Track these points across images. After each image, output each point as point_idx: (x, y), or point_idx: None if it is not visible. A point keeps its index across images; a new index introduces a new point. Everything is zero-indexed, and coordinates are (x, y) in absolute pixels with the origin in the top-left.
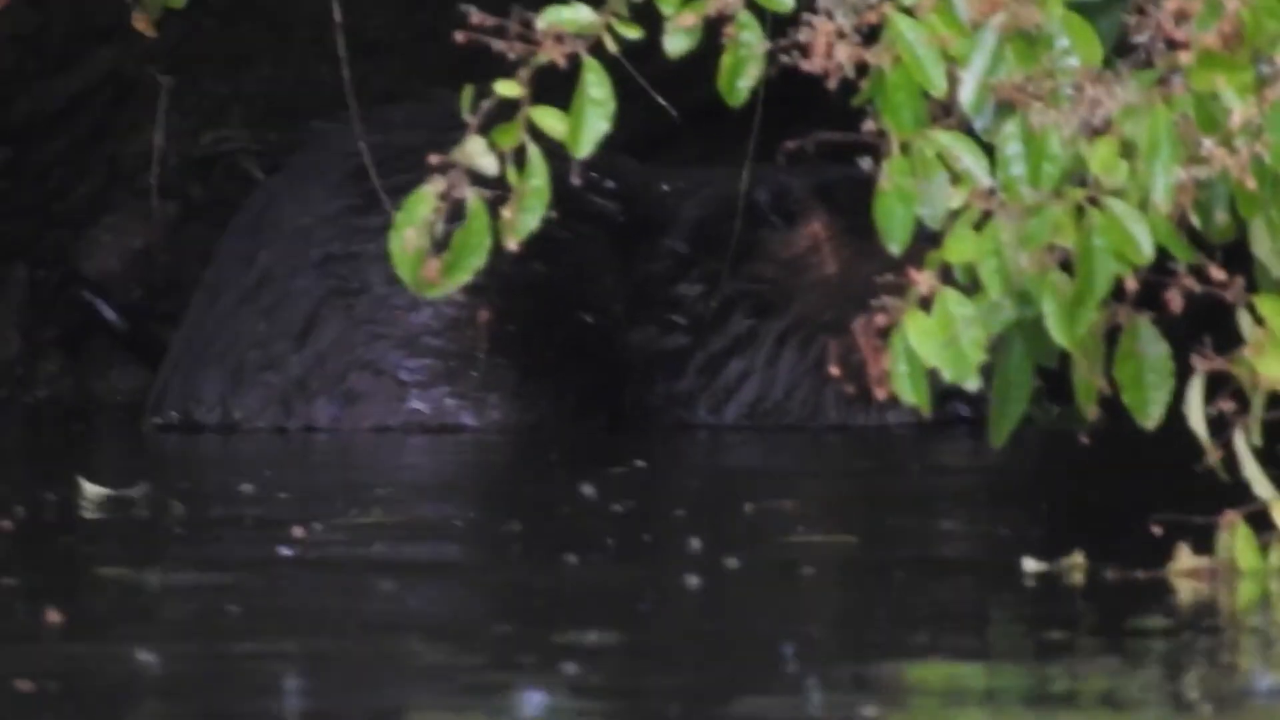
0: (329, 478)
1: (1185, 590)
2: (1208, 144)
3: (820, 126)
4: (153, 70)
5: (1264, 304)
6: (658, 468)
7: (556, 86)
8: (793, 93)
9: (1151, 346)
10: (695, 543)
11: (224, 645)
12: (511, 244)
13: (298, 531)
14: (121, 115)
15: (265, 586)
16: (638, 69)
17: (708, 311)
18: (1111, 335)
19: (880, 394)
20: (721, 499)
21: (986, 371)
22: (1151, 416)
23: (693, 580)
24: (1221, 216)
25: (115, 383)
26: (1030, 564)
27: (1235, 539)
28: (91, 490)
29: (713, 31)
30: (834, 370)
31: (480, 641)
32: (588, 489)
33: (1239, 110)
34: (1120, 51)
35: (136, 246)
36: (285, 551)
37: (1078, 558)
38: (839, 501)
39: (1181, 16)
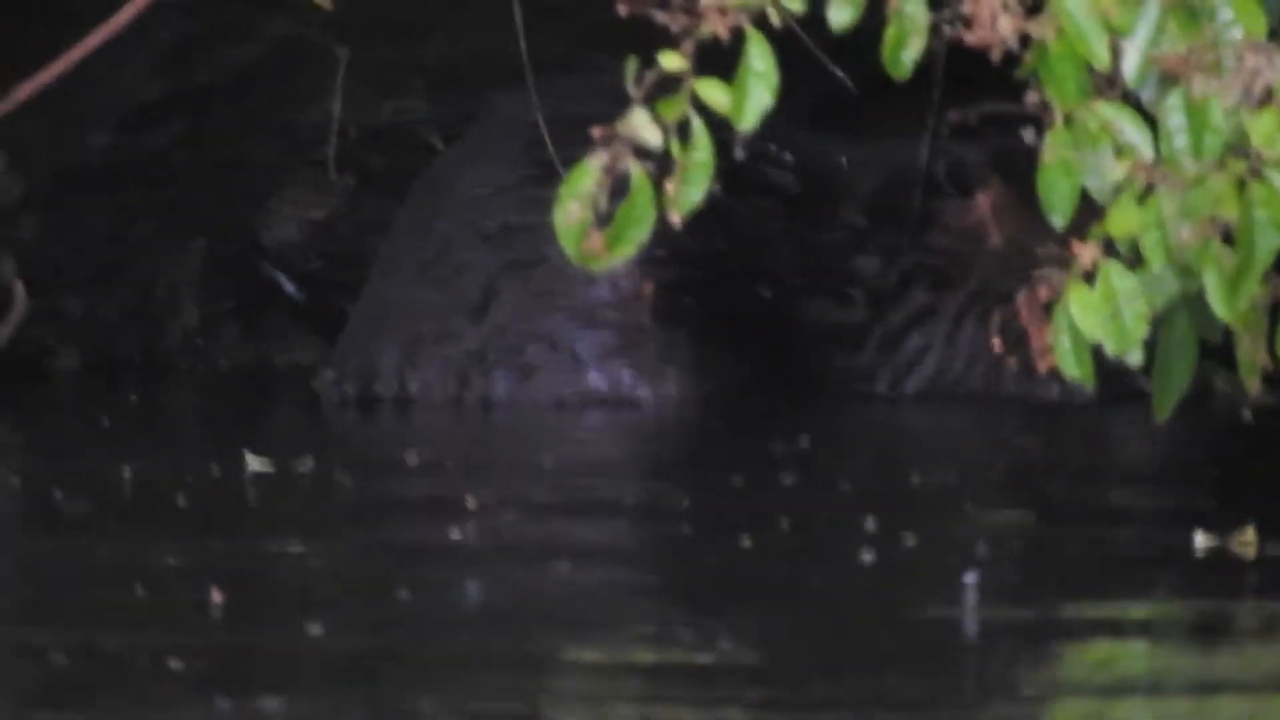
0: (504, 452)
1: None
2: None
3: (986, 98)
4: (330, 40)
5: None
6: (838, 441)
7: (722, 59)
8: (959, 64)
9: None
10: (870, 521)
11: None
12: (675, 218)
13: (471, 504)
14: (299, 85)
15: (430, 572)
16: (812, 40)
17: (886, 284)
18: (1275, 309)
19: (1043, 367)
20: (896, 473)
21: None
22: None
23: (868, 557)
24: None
25: (294, 354)
26: (1201, 539)
27: None
28: (256, 463)
29: (877, 3)
30: (996, 344)
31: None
32: (763, 463)
33: None
34: None
35: (315, 218)
36: (455, 535)
37: (1249, 534)
38: (1011, 475)
39: None
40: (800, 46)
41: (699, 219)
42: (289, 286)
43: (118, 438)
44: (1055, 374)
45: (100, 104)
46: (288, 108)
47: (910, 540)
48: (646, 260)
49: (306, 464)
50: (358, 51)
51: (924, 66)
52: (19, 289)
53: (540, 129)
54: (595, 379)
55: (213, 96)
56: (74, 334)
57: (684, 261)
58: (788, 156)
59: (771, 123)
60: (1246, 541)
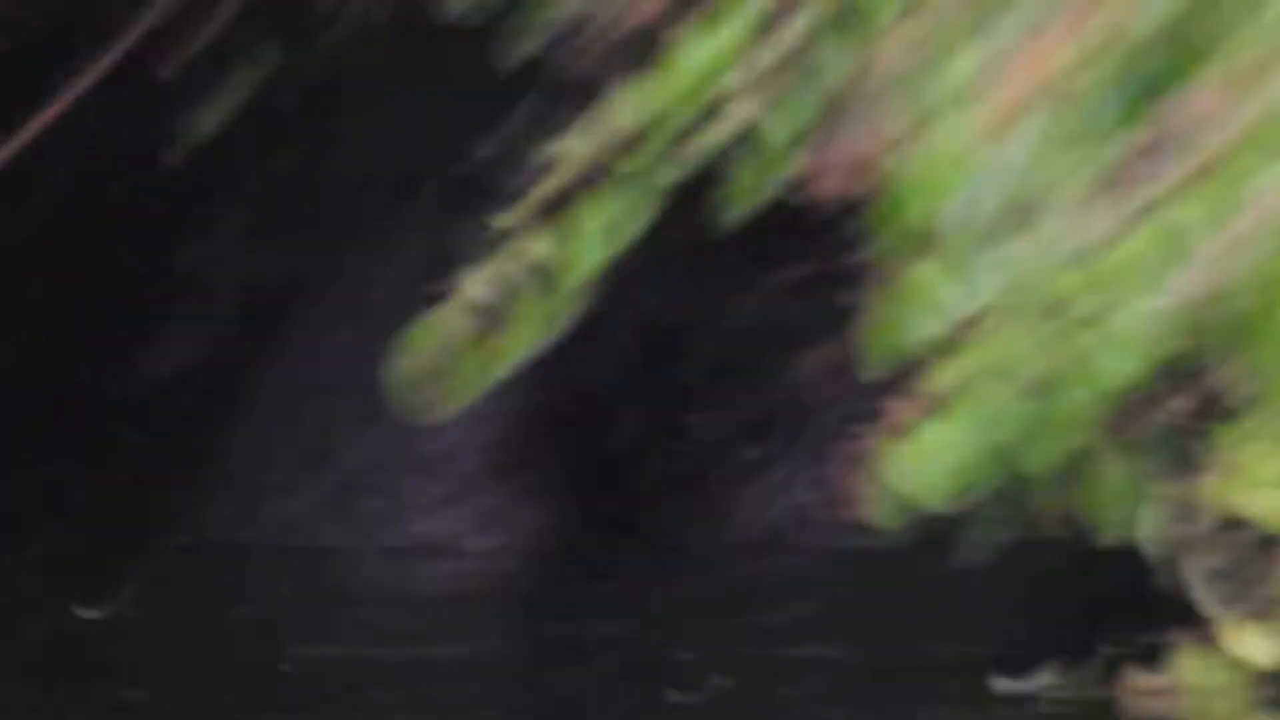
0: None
1: (1137, 708)
2: (1178, 273)
3: (805, 254)
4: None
5: (1228, 431)
6: (664, 591)
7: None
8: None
9: (1119, 470)
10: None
11: None
12: (508, 372)
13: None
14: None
15: None
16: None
17: (717, 439)
18: (1081, 457)
19: (856, 515)
20: (726, 615)
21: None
22: (1113, 535)
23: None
24: (1190, 345)
25: (153, 504)
26: (1000, 683)
27: (1186, 660)
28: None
29: (714, 161)
30: (811, 494)
31: None
32: (587, 610)
33: (1209, 240)
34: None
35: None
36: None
37: (1045, 676)
38: (837, 615)
39: (1157, 148)
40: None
41: (539, 374)
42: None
43: None
44: (870, 522)
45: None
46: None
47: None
48: (482, 414)
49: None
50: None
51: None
52: None
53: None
54: (426, 529)
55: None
56: None
57: (523, 416)
58: (624, 315)
59: (608, 282)
60: (1045, 684)
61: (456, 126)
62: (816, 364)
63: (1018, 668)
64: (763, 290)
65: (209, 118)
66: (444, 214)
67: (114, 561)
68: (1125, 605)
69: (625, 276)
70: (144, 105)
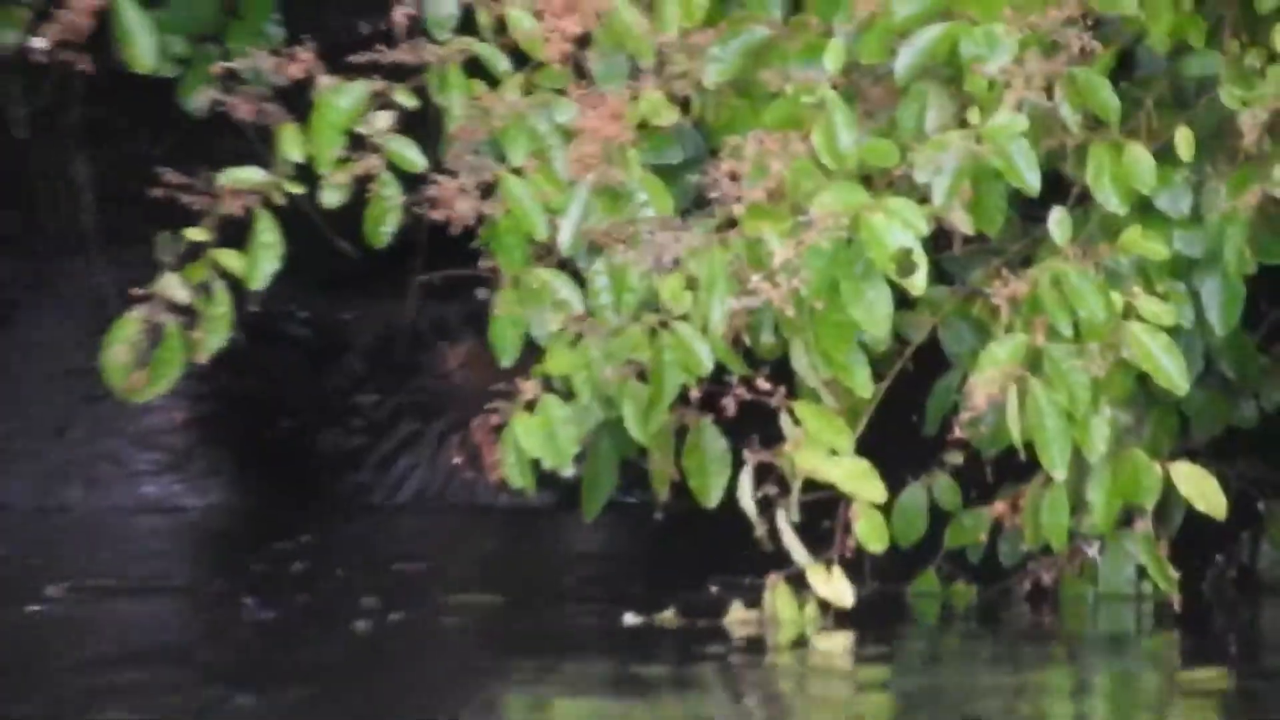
0: (73, 551)
1: (739, 634)
2: (755, 279)
3: (462, 264)
4: None
5: (801, 409)
6: (341, 541)
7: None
8: (442, 237)
9: (712, 442)
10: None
11: None
12: (201, 359)
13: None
14: None
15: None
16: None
17: (381, 416)
18: (681, 432)
19: (494, 478)
20: (396, 562)
21: (581, 459)
22: (712, 498)
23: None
24: (768, 338)
25: None
26: (629, 617)
27: (776, 596)
28: None
29: (364, 186)
30: (456, 460)
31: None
32: (283, 556)
33: (780, 251)
34: (699, 204)
35: None
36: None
37: (667, 613)
38: (487, 564)
39: (734, 176)
40: (311, 222)
41: (235, 363)
42: None
43: None
44: (504, 484)
45: None
46: None
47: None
48: (193, 395)
49: None
50: None
51: (411, 238)
52: None
53: (104, 290)
54: (150, 490)
55: None
56: None
57: (224, 397)
58: (303, 314)
59: (290, 287)
60: (666, 619)
61: (159, 157)
62: (461, 353)
63: (643, 606)
64: (415, 293)
65: None
66: (150, 228)
67: None
68: (731, 555)
69: (301, 283)
70: None
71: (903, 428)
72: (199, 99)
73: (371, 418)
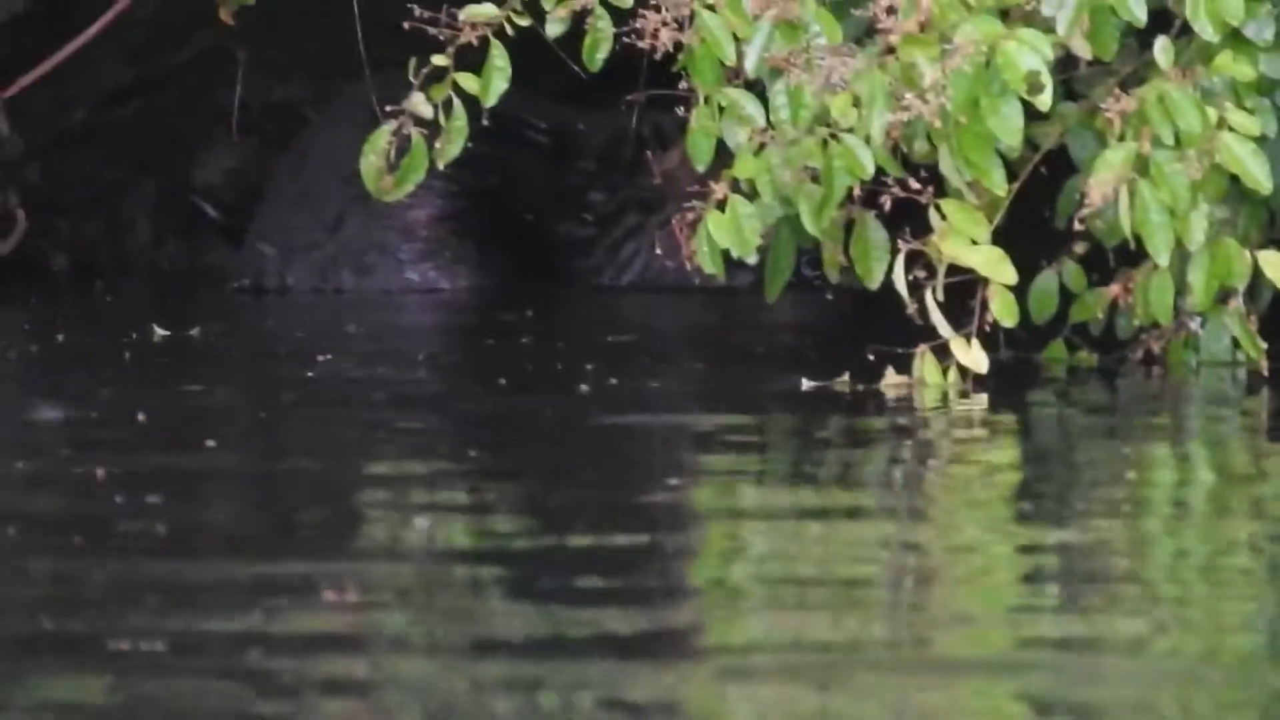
0: (346, 325)
1: (891, 396)
2: (909, 96)
3: (655, 84)
4: (233, 45)
5: (946, 204)
6: (568, 314)
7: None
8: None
9: (875, 233)
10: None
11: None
12: (441, 164)
13: (320, 358)
14: (220, 74)
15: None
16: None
17: (609, 210)
18: (848, 225)
19: (689, 265)
20: (604, 337)
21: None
22: (875, 280)
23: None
24: (921, 146)
25: (216, 259)
26: (805, 382)
27: (924, 363)
28: (159, 332)
29: (581, 20)
30: (658, 250)
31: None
32: (510, 323)
33: (929, 73)
34: (870, 34)
35: (230, 166)
36: (309, 373)
37: (838, 380)
38: (679, 339)
39: (890, 10)
40: (547, 46)
41: (482, 165)
42: (211, 212)
43: (87, 312)
44: (699, 269)
45: (84, 87)
46: (213, 91)
47: (613, 379)
48: (447, 193)
49: (196, 331)
50: (260, 51)
51: (633, 63)
52: (20, 215)
53: (374, 108)
54: (411, 275)
55: (162, 83)
56: (64, 245)
57: (471, 194)
58: (542, 123)
59: (532, 100)
60: (842, 383)
61: None
62: (675, 156)
63: (817, 373)
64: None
65: None
66: (407, 55)
67: None
68: (883, 327)
69: (541, 96)
70: None
71: (1038, 221)
72: None
73: (600, 211)
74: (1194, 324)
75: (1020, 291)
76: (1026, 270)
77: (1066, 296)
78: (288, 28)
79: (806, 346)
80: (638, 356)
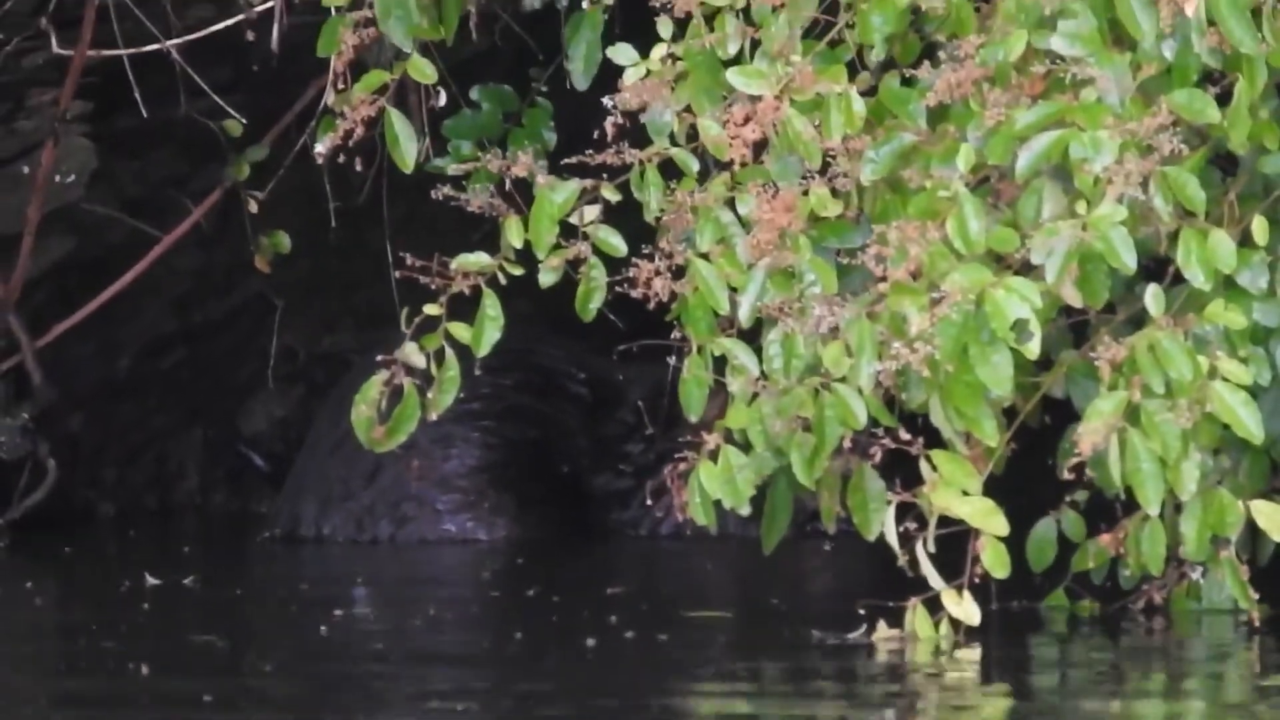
0: (380, 576)
1: (882, 650)
2: (897, 345)
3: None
4: (275, 296)
5: (936, 455)
6: (612, 566)
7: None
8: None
9: (872, 484)
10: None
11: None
12: (433, 415)
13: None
14: (266, 324)
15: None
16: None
17: (647, 461)
18: (845, 476)
19: (679, 516)
20: (643, 584)
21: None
22: (872, 532)
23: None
24: (917, 395)
25: (263, 506)
26: (815, 633)
27: (916, 617)
28: (150, 580)
29: (575, 269)
30: (649, 501)
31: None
32: (543, 583)
33: (916, 322)
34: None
35: (279, 414)
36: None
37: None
38: (704, 584)
39: (880, 258)
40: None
41: (523, 417)
42: (258, 461)
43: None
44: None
45: (128, 335)
46: (258, 339)
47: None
48: (485, 444)
49: (190, 579)
50: (308, 300)
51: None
52: (51, 465)
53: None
54: (449, 526)
55: (208, 331)
56: (110, 494)
57: (512, 446)
58: (581, 375)
59: (573, 350)
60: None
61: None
62: (715, 406)
63: (828, 624)
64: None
65: None
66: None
67: None
68: (880, 580)
69: (581, 347)
70: None
71: (1040, 469)
72: (480, 196)
73: (638, 463)
74: (1195, 573)
75: (1024, 540)
76: (1035, 518)
77: (1069, 545)
78: (337, 277)
79: (814, 597)
80: (646, 604)
